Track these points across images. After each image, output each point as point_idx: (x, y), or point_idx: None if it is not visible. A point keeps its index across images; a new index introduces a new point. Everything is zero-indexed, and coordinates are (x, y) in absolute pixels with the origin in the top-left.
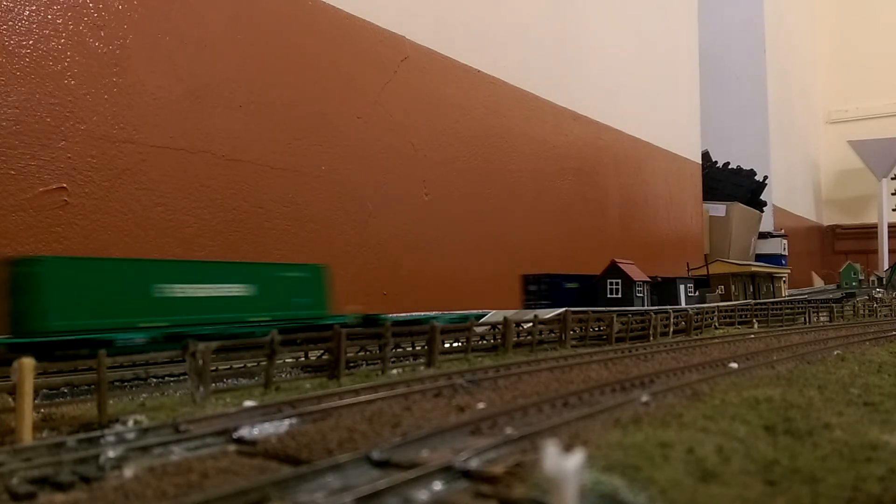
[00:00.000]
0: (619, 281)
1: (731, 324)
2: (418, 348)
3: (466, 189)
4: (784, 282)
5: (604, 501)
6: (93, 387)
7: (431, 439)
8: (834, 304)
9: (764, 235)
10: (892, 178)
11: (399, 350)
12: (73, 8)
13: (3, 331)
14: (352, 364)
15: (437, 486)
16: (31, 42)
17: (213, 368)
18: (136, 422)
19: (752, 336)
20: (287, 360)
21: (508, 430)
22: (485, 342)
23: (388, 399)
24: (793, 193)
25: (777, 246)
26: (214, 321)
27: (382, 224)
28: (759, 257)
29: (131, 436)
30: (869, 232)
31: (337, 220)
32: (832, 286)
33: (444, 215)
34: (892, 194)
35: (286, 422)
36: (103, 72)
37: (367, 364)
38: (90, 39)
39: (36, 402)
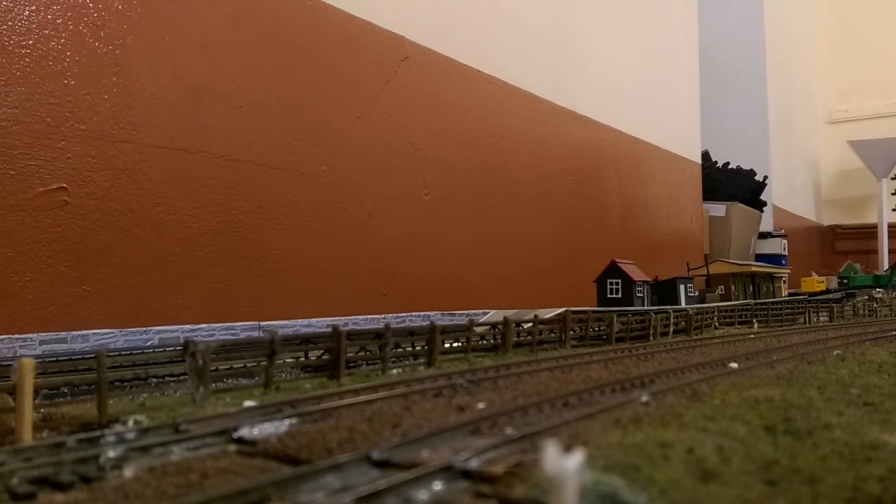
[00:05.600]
0: (619, 281)
1: (731, 324)
2: (418, 348)
3: (466, 189)
4: (784, 282)
5: (604, 501)
6: (93, 387)
7: (431, 439)
8: (834, 304)
9: (764, 235)
10: (892, 178)
11: (399, 350)
12: (73, 8)
13: None
14: (352, 364)
15: (437, 485)
16: (31, 42)
17: (213, 368)
18: (136, 422)
19: (752, 336)
20: (287, 360)
21: (508, 430)
22: (485, 342)
23: (388, 399)
24: (793, 193)
25: (777, 246)
26: None
27: (382, 224)
28: (759, 257)
29: (131, 436)
30: (869, 232)
31: (337, 220)
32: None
33: (444, 215)
34: (893, 194)
35: (286, 422)
36: (103, 72)
37: (367, 364)
38: (90, 39)
39: (36, 402)
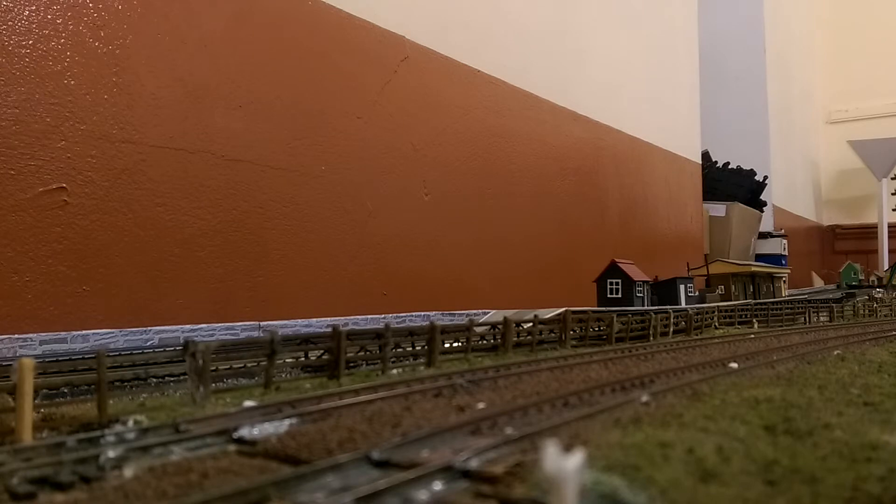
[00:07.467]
0: (619, 281)
1: (731, 324)
2: (418, 348)
3: (466, 189)
4: (784, 282)
5: (604, 501)
6: (93, 387)
7: (431, 439)
8: (834, 304)
9: (764, 235)
10: (893, 178)
11: (399, 350)
12: (73, 8)
13: None
14: (352, 364)
15: (437, 486)
16: (30, 42)
17: (213, 368)
18: (136, 422)
19: (752, 336)
20: (287, 360)
21: (508, 430)
22: (485, 342)
23: (388, 399)
24: (793, 193)
25: (777, 246)
26: None
27: (382, 224)
28: (759, 257)
29: (131, 436)
30: (869, 232)
31: (337, 220)
32: (832, 286)
33: (444, 215)
34: (893, 194)
35: (286, 422)
36: (103, 72)
37: (367, 364)
38: (90, 39)
39: (36, 402)
